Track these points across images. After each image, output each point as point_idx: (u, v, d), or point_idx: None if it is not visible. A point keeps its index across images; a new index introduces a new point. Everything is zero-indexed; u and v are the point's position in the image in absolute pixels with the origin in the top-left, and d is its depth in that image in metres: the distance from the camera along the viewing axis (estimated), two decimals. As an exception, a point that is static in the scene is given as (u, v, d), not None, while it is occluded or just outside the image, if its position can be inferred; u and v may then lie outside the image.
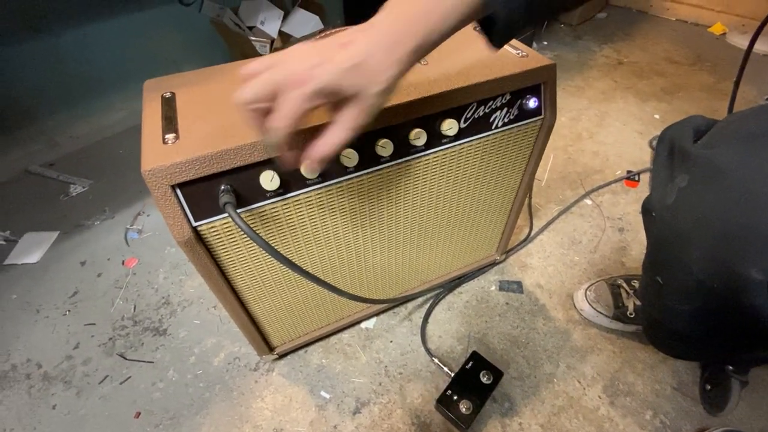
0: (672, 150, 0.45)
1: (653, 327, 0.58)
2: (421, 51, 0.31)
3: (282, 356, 0.68)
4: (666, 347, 0.59)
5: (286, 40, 1.24)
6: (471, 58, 0.49)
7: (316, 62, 0.29)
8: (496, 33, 0.35)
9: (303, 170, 0.41)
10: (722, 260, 0.36)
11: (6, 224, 0.92)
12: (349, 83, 0.29)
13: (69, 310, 0.76)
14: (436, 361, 0.66)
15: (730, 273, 0.36)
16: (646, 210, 0.47)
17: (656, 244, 0.47)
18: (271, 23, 1.21)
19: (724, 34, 1.57)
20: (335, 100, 0.30)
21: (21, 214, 0.94)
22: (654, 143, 1.07)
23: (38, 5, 0.97)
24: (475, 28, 0.53)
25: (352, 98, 0.30)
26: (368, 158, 0.45)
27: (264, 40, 1.19)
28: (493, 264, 0.80)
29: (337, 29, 0.43)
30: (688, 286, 0.42)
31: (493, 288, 0.78)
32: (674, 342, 0.57)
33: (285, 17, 1.24)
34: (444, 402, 0.59)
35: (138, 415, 0.62)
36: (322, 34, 0.41)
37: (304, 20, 1.25)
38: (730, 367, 0.59)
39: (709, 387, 0.62)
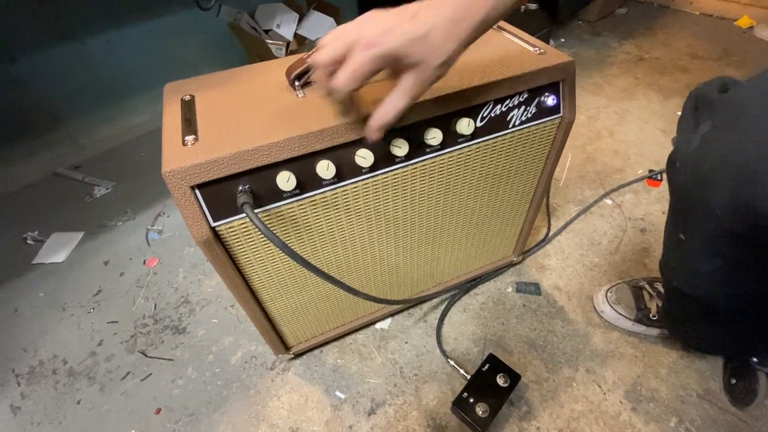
0: (697, 104, 0.44)
1: (676, 303, 0.56)
2: (484, 26, 0.33)
3: (298, 356, 0.68)
4: (688, 335, 0.57)
5: (301, 42, 1.25)
6: (487, 56, 0.48)
7: (388, 28, 0.31)
8: None
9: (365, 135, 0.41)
10: (745, 198, 0.35)
11: (35, 224, 0.95)
12: (412, 52, 0.32)
13: (93, 308, 0.78)
14: (451, 363, 0.65)
15: (753, 212, 0.35)
16: (671, 162, 0.46)
17: (679, 194, 0.46)
18: (286, 26, 1.23)
19: (752, 27, 1.51)
20: (398, 68, 0.33)
21: (48, 214, 0.98)
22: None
23: (65, 13, 1.00)
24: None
25: (412, 67, 0.33)
26: (383, 158, 0.45)
27: (280, 42, 1.21)
28: (510, 265, 0.79)
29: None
30: (712, 235, 0.41)
31: (509, 290, 0.76)
32: (697, 325, 0.55)
33: (300, 20, 1.25)
34: (460, 404, 0.58)
35: (159, 411, 0.63)
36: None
37: (319, 22, 1.26)
38: (755, 359, 0.57)
39: (734, 381, 0.60)
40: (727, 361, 0.63)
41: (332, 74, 0.33)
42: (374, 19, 0.33)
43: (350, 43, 0.32)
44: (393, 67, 0.33)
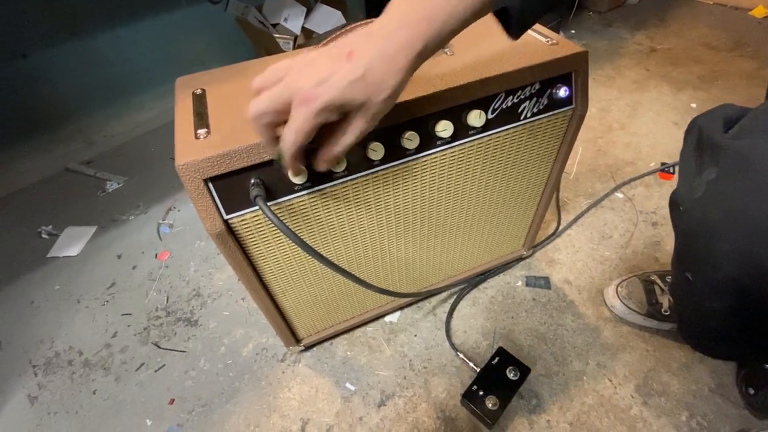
0: (700, 140, 0.43)
1: (687, 325, 0.55)
2: (425, 55, 0.31)
3: (308, 348, 0.69)
4: (701, 346, 0.57)
5: (308, 36, 1.25)
6: (498, 47, 0.48)
7: (323, 77, 0.29)
8: (513, 23, 0.34)
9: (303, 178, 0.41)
10: (753, 255, 0.35)
11: (48, 219, 0.97)
12: (353, 96, 0.30)
13: (107, 301, 0.80)
14: (461, 356, 0.65)
15: (761, 268, 0.34)
16: (674, 203, 0.45)
17: (684, 238, 0.45)
18: (294, 20, 1.22)
19: (767, 17, 1.48)
20: (344, 111, 0.31)
21: (62, 209, 0.99)
22: (690, 134, 1.02)
23: (75, 10, 1.01)
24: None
25: (357, 108, 0.31)
26: (394, 151, 0.45)
27: (287, 36, 1.21)
28: (520, 259, 0.79)
29: (359, 23, 0.43)
30: (718, 282, 0.40)
31: (519, 283, 0.76)
32: (709, 342, 0.54)
33: (308, 14, 1.25)
34: (470, 397, 0.59)
35: (172, 401, 0.65)
36: (339, 32, 0.42)
37: (326, 16, 1.26)
38: None
39: (752, 391, 0.58)
40: (740, 368, 0.62)
41: (271, 126, 0.32)
42: (308, 67, 0.30)
43: (286, 98, 0.30)
44: (338, 112, 0.31)
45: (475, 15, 0.31)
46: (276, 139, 0.34)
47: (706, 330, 0.50)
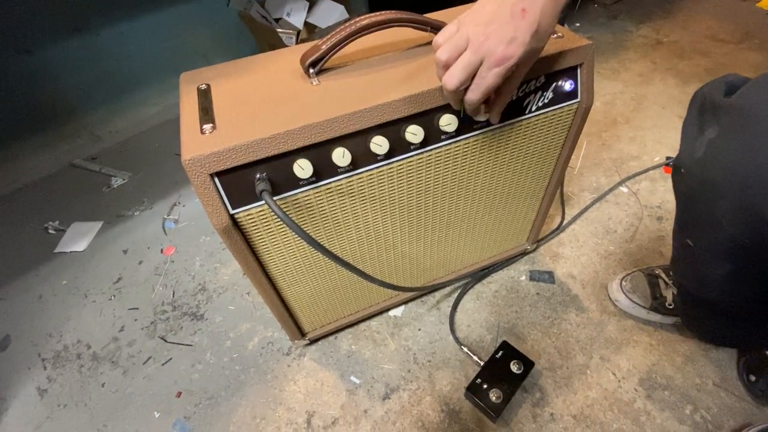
0: (703, 105, 0.43)
1: (687, 303, 0.55)
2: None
3: (313, 342, 0.70)
4: (703, 330, 0.56)
5: (311, 30, 1.24)
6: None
7: (510, 37, 0.33)
8: None
9: (484, 118, 0.46)
10: (752, 208, 0.35)
11: (55, 215, 0.97)
12: (534, 48, 0.35)
13: (114, 296, 0.81)
14: (465, 349, 0.66)
15: (760, 221, 0.34)
16: (676, 167, 0.45)
17: (686, 202, 0.45)
18: (296, 14, 1.22)
19: (777, 8, 1.46)
20: None
21: (68, 205, 1.00)
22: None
23: (79, 5, 1.01)
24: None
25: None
26: (398, 145, 0.45)
27: (290, 31, 1.20)
28: (524, 254, 0.79)
29: (362, 18, 0.43)
30: (719, 244, 0.40)
31: (523, 278, 0.76)
32: (710, 322, 0.54)
33: (310, 8, 1.24)
34: (474, 390, 0.59)
35: (179, 394, 0.65)
36: (343, 27, 0.42)
37: (329, 10, 1.25)
38: None
39: (753, 378, 0.59)
40: (741, 355, 0.62)
41: (462, 91, 0.37)
42: (489, 28, 0.33)
43: (476, 63, 0.34)
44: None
45: None
46: (462, 97, 0.39)
47: (708, 308, 0.50)
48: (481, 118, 0.45)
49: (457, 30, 0.35)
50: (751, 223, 0.35)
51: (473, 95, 0.37)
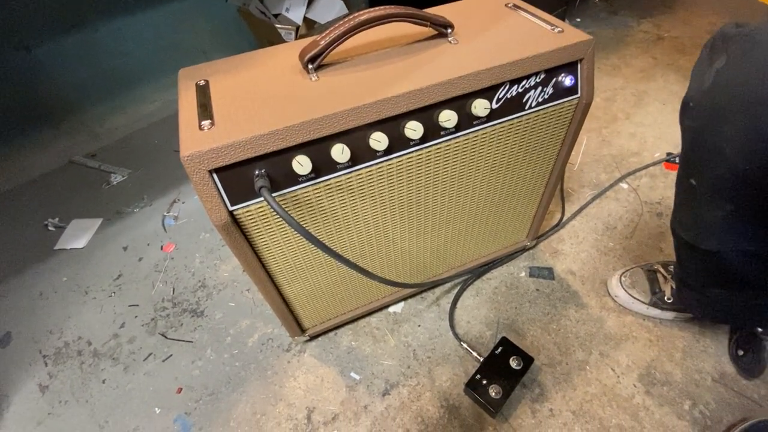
0: (714, 42, 0.43)
1: (686, 264, 0.55)
2: None
3: (313, 338, 0.70)
4: (700, 304, 0.56)
5: (310, 26, 1.24)
6: (503, 35, 0.47)
7: None
8: None
9: None
10: (754, 129, 0.34)
11: (54, 212, 0.97)
12: None
13: (114, 292, 0.81)
14: (464, 345, 0.66)
15: (761, 141, 0.34)
16: (684, 104, 0.45)
17: (692, 136, 0.45)
18: (295, 10, 1.21)
19: (779, 2, 1.45)
20: None
21: (67, 202, 1.00)
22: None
23: (76, 2, 1.01)
24: None
25: None
26: (397, 142, 0.45)
27: (289, 27, 1.20)
28: (523, 250, 0.79)
29: (361, 12, 0.43)
30: (723, 179, 0.40)
31: (522, 274, 0.76)
32: (707, 288, 0.54)
33: (309, 3, 1.24)
34: (473, 386, 0.59)
35: (180, 390, 0.66)
36: (343, 22, 0.42)
37: (328, 6, 1.24)
38: (760, 329, 0.56)
39: (741, 352, 0.60)
40: (733, 333, 0.64)
41: None
42: None
43: None
44: None
45: None
46: None
47: (706, 271, 0.50)
48: None
49: None
50: (753, 151, 0.35)
51: None
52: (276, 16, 1.22)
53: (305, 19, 1.23)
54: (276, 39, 1.19)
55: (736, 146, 0.37)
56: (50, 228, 0.94)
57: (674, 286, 0.65)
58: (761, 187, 0.37)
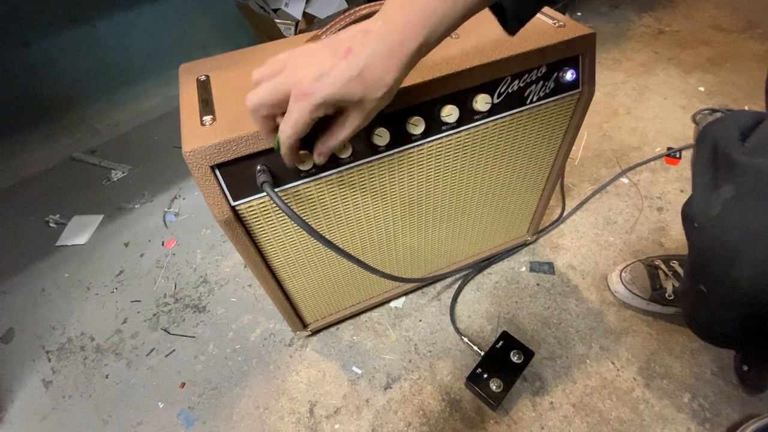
0: (715, 153, 0.42)
1: (695, 323, 0.55)
2: (423, 51, 0.31)
3: (315, 333, 0.70)
4: (708, 338, 0.57)
5: (310, 21, 1.23)
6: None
7: (321, 72, 0.30)
8: (509, 18, 0.34)
9: (305, 168, 0.42)
10: None
11: (55, 208, 0.97)
12: (350, 93, 0.30)
13: (116, 288, 0.81)
14: (465, 340, 0.66)
15: None
16: (688, 218, 0.45)
17: (700, 254, 0.45)
18: (295, 5, 1.21)
19: (781, -4, 1.44)
20: (339, 107, 0.32)
21: (68, 198, 1.00)
22: (698, 118, 1.00)
23: (74, -4, 1.00)
24: None
25: (353, 104, 0.32)
26: (400, 136, 0.45)
27: (289, 22, 1.19)
28: (524, 245, 0.79)
29: (365, 7, 0.42)
30: (734, 299, 0.40)
31: (523, 269, 0.77)
32: (718, 336, 0.54)
33: (309, -2, 1.23)
34: (474, 379, 0.60)
35: (183, 385, 0.66)
36: (341, 17, 0.41)
37: (327, 0, 1.24)
38: None
39: (746, 368, 0.60)
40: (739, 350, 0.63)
41: (269, 118, 0.33)
42: (307, 60, 0.31)
43: (284, 91, 0.31)
44: (335, 107, 0.32)
45: (471, 12, 0.31)
46: (275, 129, 0.34)
47: (716, 332, 0.51)
48: (301, 165, 0.41)
49: (285, 57, 0.33)
50: None
51: (283, 126, 0.32)
52: (275, 11, 1.21)
53: (305, 13, 1.22)
54: (275, 34, 1.18)
55: (751, 283, 0.37)
56: (51, 224, 0.94)
57: (675, 285, 0.65)
58: None
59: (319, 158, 0.37)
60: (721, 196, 0.39)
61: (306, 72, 0.30)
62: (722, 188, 0.39)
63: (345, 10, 1.22)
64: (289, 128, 0.32)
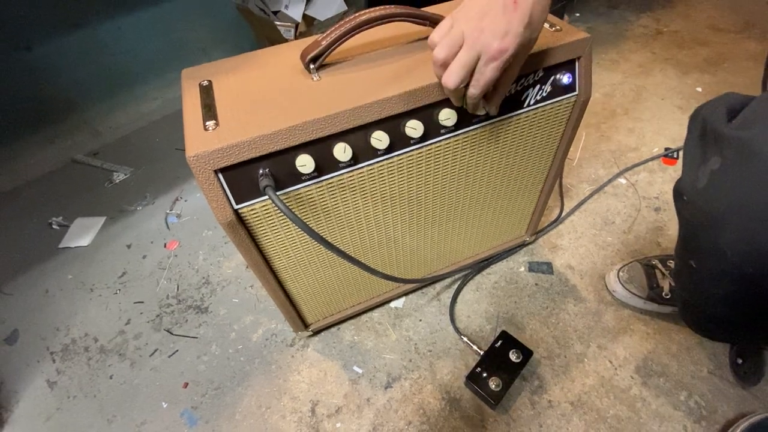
0: (704, 130, 0.43)
1: (688, 310, 0.56)
2: None
3: (316, 333, 0.71)
4: (701, 330, 0.58)
5: (310, 23, 1.24)
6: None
7: (504, 31, 0.34)
8: None
9: (483, 112, 0.46)
10: (757, 244, 0.35)
11: (58, 210, 0.98)
12: (527, 39, 0.35)
13: (119, 290, 0.82)
14: (465, 339, 0.67)
15: (765, 256, 0.35)
16: (678, 193, 0.46)
17: (688, 228, 0.46)
18: (295, 7, 1.21)
19: (778, -4, 1.45)
20: None
21: (70, 200, 1.01)
22: (695, 118, 1.01)
23: (77, 1, 1.01)
24: None
25: (524, 48, 0.37)
26: (398, 140, 0.45)
27: (289, 24, 1.20)
28: (523, 245, 0.80)
29: (361, 13, 0.43)
30: (722, 271, 0.41)
31: (522, 269, 0.77)
32: (710, 324, 0.55)
33: (309, 0, 1.24)
34: (474, 378, 0.60)
35: (186, 385, 0.67)
36: (344, 22, 0.42)
37: (327, 2, 1.24)
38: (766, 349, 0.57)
39: (740, 361, 0.61)
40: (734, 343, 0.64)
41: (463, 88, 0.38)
42: (484, 22, 0.34)
43: (473, 60, 0.35)
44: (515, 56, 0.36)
45: None
46: (463, 94, 0.40)
47: (708, 315, 0.51)
48: (481, 112, 0.46)
49: (451, 27, 0.36)
50: (755, 257, 0.36)
51: (474, 90, 0.37)
52: (275, 13, 1.22)
53: (304, 15, 1.23)
54: (275, 36, 1.19)
55: (736, 253, 0.37)
56: (54, 226, 0.95)
57: (672, 284, 0.65)
58: (763, 283, 0.38)
59: (495, 110, 0.44)
60: (708, 167, 0.40)
61: (489, 34, 0.34)
62: (710, 161, 0.40)
63: (345, 13, 1.23)
64: (481, 89, 0.37)
